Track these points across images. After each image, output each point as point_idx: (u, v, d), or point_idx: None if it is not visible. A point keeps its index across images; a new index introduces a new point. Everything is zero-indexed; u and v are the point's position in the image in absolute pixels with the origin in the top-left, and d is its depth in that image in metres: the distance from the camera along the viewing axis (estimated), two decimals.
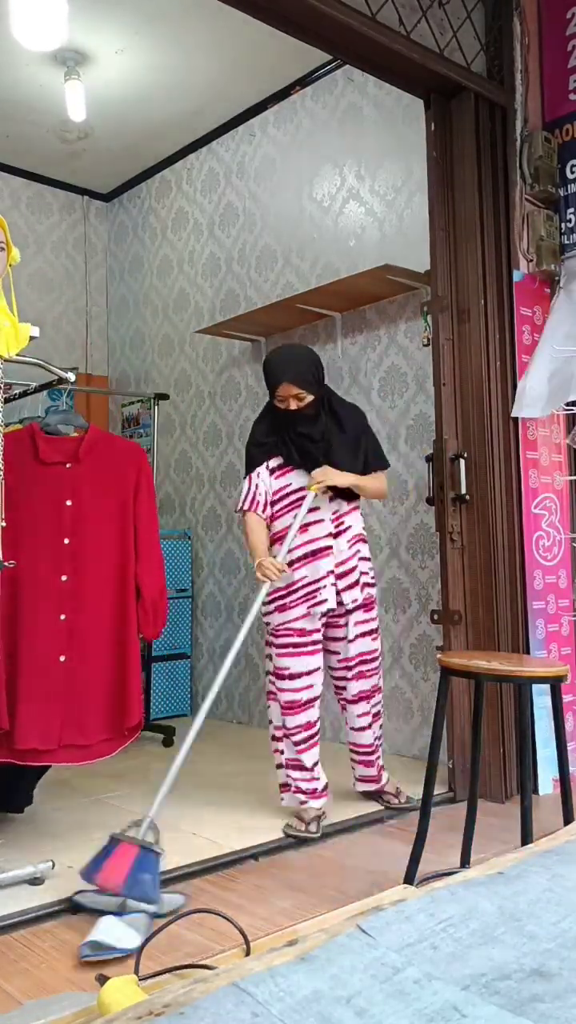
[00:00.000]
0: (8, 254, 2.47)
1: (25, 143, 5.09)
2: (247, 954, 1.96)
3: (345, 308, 4.20)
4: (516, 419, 3.36)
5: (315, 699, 3.01)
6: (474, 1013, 0.76)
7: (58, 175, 5.56)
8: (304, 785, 2.95)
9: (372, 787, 3.15)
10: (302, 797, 2.95)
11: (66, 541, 2.75)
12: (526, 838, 2.09)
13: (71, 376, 2.74)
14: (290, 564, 2.98)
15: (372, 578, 3.13)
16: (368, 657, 3.08)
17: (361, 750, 3.13)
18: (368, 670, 3.09)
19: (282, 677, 2.99)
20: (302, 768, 2.97)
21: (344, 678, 3.09)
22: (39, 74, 4.37)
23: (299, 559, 3.00)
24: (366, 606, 3.07)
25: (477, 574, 3.28)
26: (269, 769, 3.42)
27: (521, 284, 3.42)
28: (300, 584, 2.99)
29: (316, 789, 2.96)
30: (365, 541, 3.12)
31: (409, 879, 2.26)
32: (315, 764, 2.99)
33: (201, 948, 2.05)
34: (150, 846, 2.35)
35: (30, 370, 2.70)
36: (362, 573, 3.06)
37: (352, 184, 4.25)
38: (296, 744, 2.97)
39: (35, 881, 2.44)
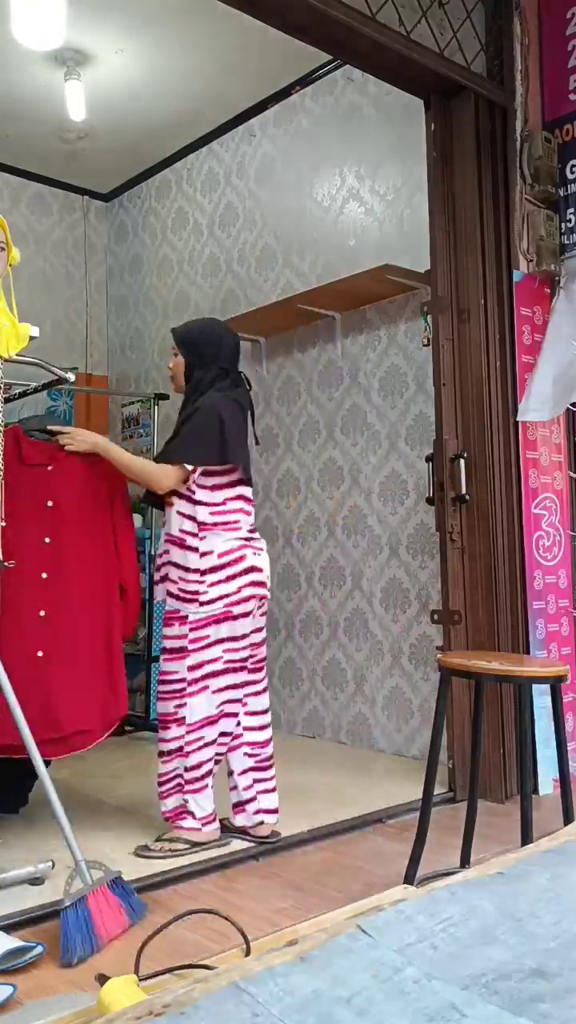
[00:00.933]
0: (8, 254, 2.47)
1: (25, 143, 5.08)
2: (247, 954, 1.96)
3: (345, 308, 4.20)
4: (516, 419, 3.36)
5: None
6: (474, 1013, 0.76)
7: (58, 175, 5.56)
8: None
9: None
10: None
11: (47, 540, 2.81)
12: (526, 838, 2.09)
13: (71, 376, 2.74)
14: None
15: (180, 590, 2.70)
16: (160, 677, 2.77)
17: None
18: (160, 691, 2.76)
19: None
20: None
21: None
22: (39, 74, 4.37)
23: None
24: (166, 618, 2.76)
25: (477, 574, 3.27)
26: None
27: (521, 284, 3.42)
28: None
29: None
30: (180, 546, 2.72)
31: (409, 879, 2.25)
32: None
33: (201, 948, 2.05)
34: (107, 876, 2.19)
35: (30, 370, 2.70)
36: (166, 579, 2.76)
37: (352, 184, 4.24)
38: None
39: (35, 881, 2.43)
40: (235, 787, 2.79)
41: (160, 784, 2.74)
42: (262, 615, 2.81)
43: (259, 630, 2.81)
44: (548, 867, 1.12)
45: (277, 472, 4.63)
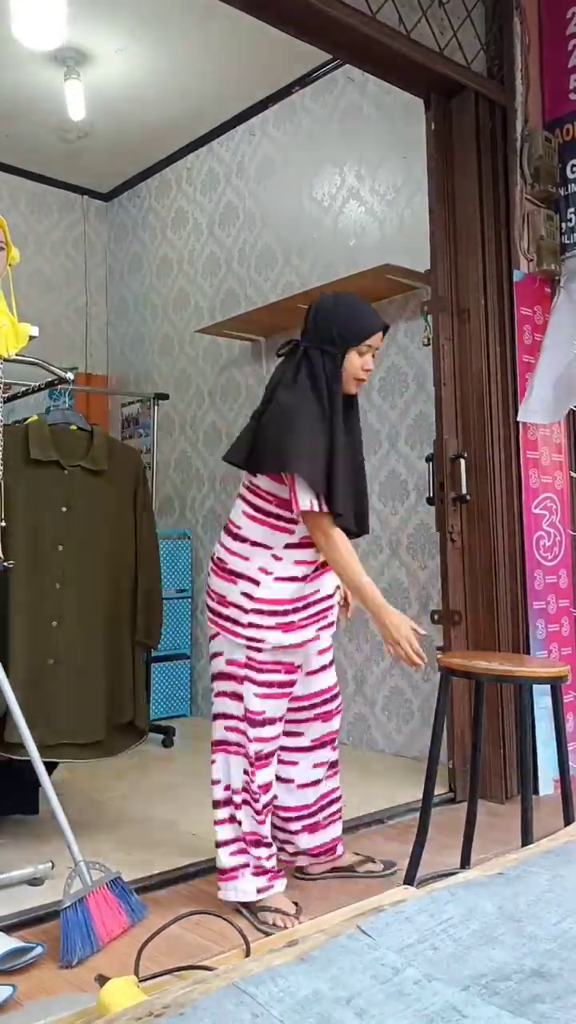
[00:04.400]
0: (8, 254, 2.47)
1: (25, 142, 5.08)
2: (247, 955, 1.96)
3: None
4: (517, 419, 3.36)
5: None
6: (474, 1014, 0.76)
7: (58, 174, 5.56)
8: (267, 863, 2.26)
9: (325, 863, 2.51)
10: (263, 880, 2.25)
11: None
12: (526, 839, 2.09)
13: (70, 376, 2.74)
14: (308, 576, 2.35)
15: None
16: (335, 692, 2.50)
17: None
18: (335, 709, 2.50)
19: (256, 723, 2.26)
20: (261, 843, 2.27)
21: (298, 720, 2.43)
22: (39, 73, 4.37)
23: (318, 569, 2.36)
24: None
25: (477, 574, 3.27)
26: None
27: (521, 284, 3.42)
28: (313, 599, 2.35)
29: (275, 868, 2.30)
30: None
31: (409, 880, 2.25)
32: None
33: (201, 949, 2.05)
34: (107, 877, 2.18)
35: (30, 370, 2.70)
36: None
37: (352, 184, 4.24)
38: (259, 811, 2.26)
39: (35, 882, 2.44)
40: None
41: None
42: None
43: None
44: (548, 868, 1.12)
45: None
